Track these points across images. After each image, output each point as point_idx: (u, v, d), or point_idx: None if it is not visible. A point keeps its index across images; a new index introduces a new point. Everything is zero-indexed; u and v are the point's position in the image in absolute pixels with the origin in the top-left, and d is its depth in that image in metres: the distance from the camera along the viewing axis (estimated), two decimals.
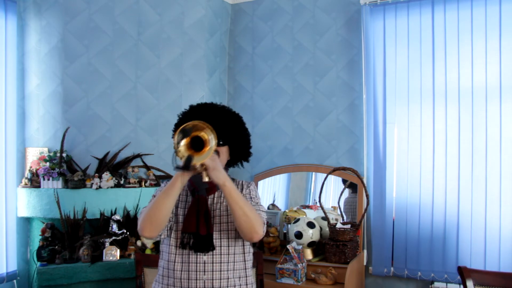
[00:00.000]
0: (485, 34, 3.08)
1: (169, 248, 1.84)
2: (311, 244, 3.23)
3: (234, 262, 1.84)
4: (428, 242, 3.18)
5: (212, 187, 1.84)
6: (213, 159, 1.67)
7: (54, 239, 3.14)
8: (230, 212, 1.81)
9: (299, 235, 3.20)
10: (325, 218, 3.30)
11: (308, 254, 3.23)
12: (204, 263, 1.79)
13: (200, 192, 1.82)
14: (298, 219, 3.31)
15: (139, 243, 3.21)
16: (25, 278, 3.30)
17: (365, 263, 3.39)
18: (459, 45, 3.14)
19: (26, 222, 3.33)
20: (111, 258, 3.10)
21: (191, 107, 1.92)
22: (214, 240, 1.81)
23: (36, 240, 3.22)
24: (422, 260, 3.20)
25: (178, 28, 3.63)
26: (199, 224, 1.78)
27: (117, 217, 3.17)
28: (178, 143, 1.65)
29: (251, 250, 1.94)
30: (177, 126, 1.88)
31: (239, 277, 1.85)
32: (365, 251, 3.39)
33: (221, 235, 1.83)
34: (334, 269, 3.05)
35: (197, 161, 1.63)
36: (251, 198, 1.88)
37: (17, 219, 3.27)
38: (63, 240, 3.14)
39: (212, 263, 1.80)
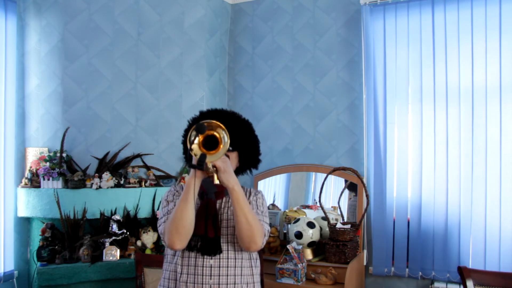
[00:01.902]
0: (485, 34, 3.07)
1: (175, 251, 1.81)
2: (311, 244, 3.23)
3: (241, 267, 1.81)
4: (428, 242, 3.18)
5: (221, 192, 1.84)
6: (224, 161, 1.67)
7: (54, 239, 3.14)
8: None
9: (299, 235, 3.20)
10: (325, 218, 3.30)
11: (308, 254, 3.23)
12: (211, 267, 1.76)
13: (209, 195, 1.81)
14: (298, 219, 3.31)
15: (139, 243, 3.21)
16: (25, 278, 3.30)
17: (365, 263, 3.39)
18: (459, 45, 3.14)
19: (26, 222, 3.33)
20: (111, 258, 3.10)
21: (201, 113, 1.91)
22: (221, 244, 1.78)
23: (36, 240, 3.22)
24: (422, 260, 3.20)
25: (178, 28, 3.63)
26: (207, 227, 1.75)
27: (117, 217, 3.17)
28: (192, 141, 1.64)
29: (258, 256, 1.92)
30: (186, 132, 1.88)
31: (247, 283, 1.82)
32: (365, 251, 3.39)
33: (228, 239, 1.80)
34: (334, 269, 3.05)
35: (210, 160, 1.62)
36: (257, 206, 1.86)
37: (17, 219, 3.27)
38: (63, 240, 3.14)
39: (219, 267, 1.77)
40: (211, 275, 1.76)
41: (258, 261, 1.91)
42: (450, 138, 3.16)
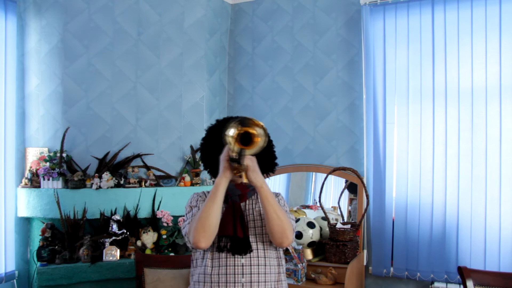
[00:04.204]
0: (485, 34, 3.08)
1: (204, 254, 1.85)
2: (311, 244, 3.23)
3: (270, 265, 1.85)
4: (428, 242, 3.18)
5: (244, 194, 1.89)
6: (252, 160, 1.73)
7: (54, 239, 3.14)
8: (263, 216, 1.85)
9: (299, 235, 3.20)
10: (325, 218, 3.30)
11: (308, 254, 3.23)
12: (243, 265, 1.80)
13: (233, 198, 1.86)
14: (298, 219, 3.31)
15: (139, 243, 3.21)
16: (25, 278, 3.30)
17: (365, 263, 3.39)
18: (459, 45, 3.14)
19: (26, 222, 3.33)
20: (111, 258, 3.10)
21: (218, 121, 1.98)
22: (251, 243, 1.83)
23: (36, 240, 3.22)
24: (422, 260, 3.20)
25: (178, 28, 3.63)
26: (235, 227, 1.80)
27: (117, 217, 3.17)
28: (231, 135, 1.70)
29: (284, 256, 1.96)
30: (205, 140, 1.96)
31: (275, 281, 1.86)
32: (365, 251, 3.39)
33: (256, 238, 1.85)
34: (334, 269, 3.05)
35: (248, 154, 1.69)
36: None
37: (17, 219, 3.27)
38: (63, 240, 3.14)
39: (250, 265, 1.81)
40: (243, 274, 1.80)
41: (283, 260, 1.95)
42: (449, 138, 3.16)
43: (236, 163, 1.68)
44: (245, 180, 1.72)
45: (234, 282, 1.78)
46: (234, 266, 1.80)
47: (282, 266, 1.92)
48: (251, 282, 1.79)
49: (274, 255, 1.88)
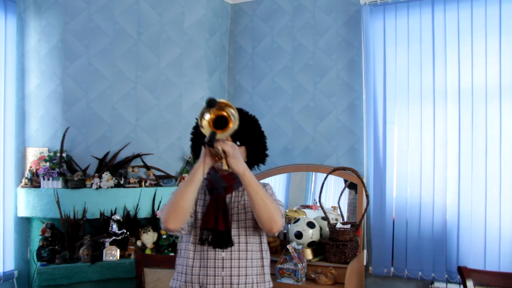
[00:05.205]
0: (485, 34, 3.08)
1: (187, 246, 1.85)
2: (311, 244, 3.23)
3: (251, 259, 1.85)
4: (428, 242, 3.18)
5: (230, 186, 1.87)
6: (233, 147, 1.70)
7: (54, 239, 3.14)
8: (248, 210, 1.84)
9: (299, 235, 3.20)
10: (325, 218, 3.30)
11: (308, 254, 3.23)
12: (223, 259, 1.80)
13: (218, 190, 1.85)
14: (298, 219, 3.31)
15: (139, 243, 3.21)
16: (25, 278, 3.30)
17: (365, 263, 3.39)
18: (459, 45, 3.14)
19: (26, 222, 3.33)
20: (111, 258, 3.10)
21: None
22: (232, 237, 1.82)
23: (36, 240, 3.22)
24: (422, 260, 3.20)
25: (178, 28, 3.63)
26: (217, 221, 1.79)
27: (117, 217, 3.17)
28: (203, 117, 1.66)
29: (268, 248, 1.95)
30: (195, 129, 1.94)
31: (257, 274, 1.86)
32: (365, 251, 3.39)
33: (239, 232, 1.84)
34: (334, 269, 3.05)
35: (220, 137, 1.65)
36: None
37: (17, 219, 3.27)
38: (63, 240, 3.14)
39: (231, 259, 1.81)
40: (223, 267, 1.80)
41: (268, 253, 1.94)
42: (449, 138, 3.16)
43: (207, 145, 1.64)
44: (226, 167, 1.68)
45: (214, 276, 1.78)
46: (214, 259, 1.80)
47: (267, 259, 1.91)
48: (231, 275, 1.79)
49: (257, 248, 1.87)
